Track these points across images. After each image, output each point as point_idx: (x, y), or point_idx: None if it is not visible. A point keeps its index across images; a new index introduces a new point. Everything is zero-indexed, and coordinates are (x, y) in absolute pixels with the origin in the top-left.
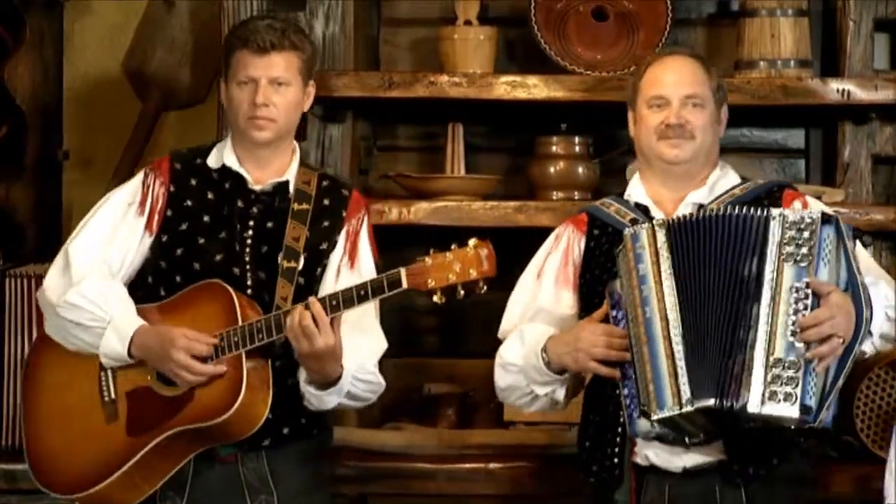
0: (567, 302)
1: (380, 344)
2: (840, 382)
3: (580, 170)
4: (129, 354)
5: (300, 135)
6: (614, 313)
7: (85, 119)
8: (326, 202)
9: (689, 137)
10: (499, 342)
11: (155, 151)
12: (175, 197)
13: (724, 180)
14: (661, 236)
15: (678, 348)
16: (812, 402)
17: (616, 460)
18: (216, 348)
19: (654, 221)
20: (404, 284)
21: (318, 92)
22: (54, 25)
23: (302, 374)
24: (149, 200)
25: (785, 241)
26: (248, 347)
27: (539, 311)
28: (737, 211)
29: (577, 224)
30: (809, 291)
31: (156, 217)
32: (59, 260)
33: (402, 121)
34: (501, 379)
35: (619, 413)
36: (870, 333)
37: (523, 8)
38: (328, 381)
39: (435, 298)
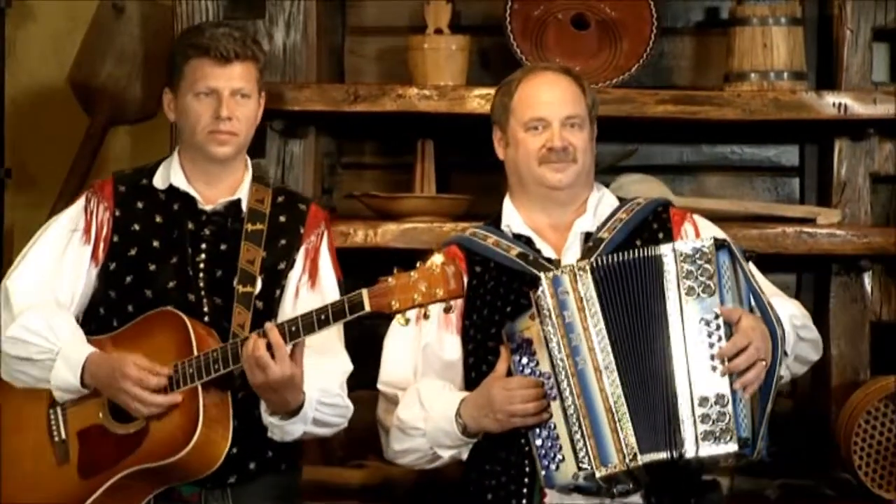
0: (451, 346)
1: (345, 365)
2: (769, 408)
3: None
4: (83, 384)
5: (258, 151)
6: (517, 358)
7: (28, 135)
8: (283, 219)
9: (572, 160)
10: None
11: (103, 169)
12: (121, 222)
13: (604, 203)
14: (584, 280)
15: (617, 400)
16: (747, 433)
17: None
18: (171, 380)
19: (575, 265)
20: (367, 307)
21: (278, 105)
22: None
23: (264, 405)
24: (93, 227)
25: (683, 275)
26: (205, 379)
27: (426, 349)
28: (643, 253)
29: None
30: (721, 321)
31: (101, 244)
32: None
33: (369, 136)
34: (399, 442)
35: (524, 462)
36: (786, 353)
37: (498, 15)
38: (290, 410)
39: (400, 321)
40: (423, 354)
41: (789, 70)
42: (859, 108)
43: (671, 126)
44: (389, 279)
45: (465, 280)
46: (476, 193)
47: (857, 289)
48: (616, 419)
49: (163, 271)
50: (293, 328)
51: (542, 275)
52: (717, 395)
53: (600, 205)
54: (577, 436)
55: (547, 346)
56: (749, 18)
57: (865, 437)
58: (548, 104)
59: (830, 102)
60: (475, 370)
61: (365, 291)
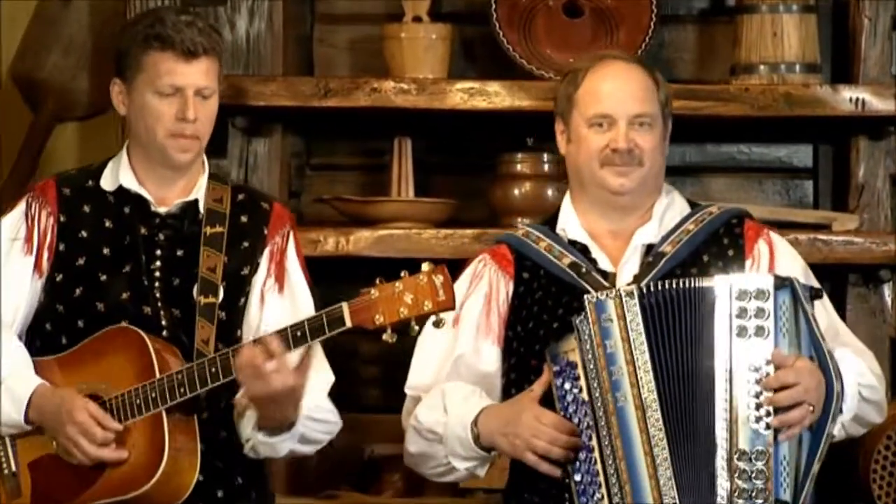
0: (489, 357)
1: (328, 378)
2: (815, 469)
3: (549, 192)
4: (27, 420)
5: (219, 151)
6: (559, 382)
7: None
8: (244, 219)
9: (638, 164)
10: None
11: (48, 169)
12: (66, 228)
13: (672, 210)
14: (631, 307)
15: (658, 444)
16: (787, 495)
17: None
18: (131, 406)
19: (622, 290)
20: (348, 322)
21: (241, 101)
22: None
23: (248, 420)
24: (35, 235)
25: (736, 313)
26: (169, 404)
27: (459, 360)
28: (697, 283)
29: (499, 261)
30: (771, 369)
31: (45, 253)
32: None
33: (340, 135)
34: (414, 444)
35: (563, 496)
36: (840, 411)
37: (483, 2)
38: (283, 426)
39: (385, 337)
40: (453, 366)
41: (801, 62)
42: (878, 103)
43: (672, 123)
44: (372, 291)
45: (511, 286)
46: (459, 197)
47: (877, 301)
48: (655, 465)
49: (115, 282)
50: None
51: (585, 298)
52: (757, 451)
53: (668, 212)
54: (613, 479)
55: (586, 377)
56: (758, 6)
57: (885, 465)
58: (615, 100)
59: (847, 97)
60: (516, 387)
61: (345, 305)
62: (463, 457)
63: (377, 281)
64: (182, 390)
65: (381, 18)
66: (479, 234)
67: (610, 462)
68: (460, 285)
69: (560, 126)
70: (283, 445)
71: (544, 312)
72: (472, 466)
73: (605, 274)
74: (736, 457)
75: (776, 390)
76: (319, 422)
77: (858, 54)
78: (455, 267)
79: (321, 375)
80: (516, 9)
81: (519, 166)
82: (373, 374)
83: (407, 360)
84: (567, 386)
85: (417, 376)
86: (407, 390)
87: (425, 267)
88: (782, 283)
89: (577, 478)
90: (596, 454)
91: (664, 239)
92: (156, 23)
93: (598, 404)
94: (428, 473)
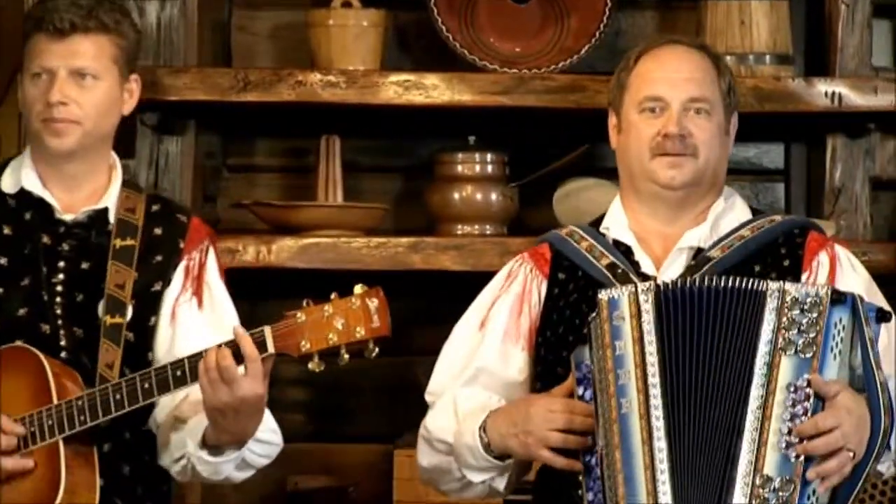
0: (517, 364)
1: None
2: None
3: (493, 196)
4: None
5: (127, 150)
6: (581, 390)
7: None
8: (158, 232)
9: (691, 154)
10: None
11: None
12: None
13: (731, 215)
14: (646, 306)
15: (659, 457)
16: None
17: None
18: (26, 435)
19: (640, 286)
20: (270, 348)
21: (151, 95)
22: None
23: (190, 434)
24: None
25: (783, 325)
26: (67, 433)
27: (480, 373)
28: (732, 283)
29: (537, 260)
30: (811, 392)
31: None
32: None
33: (261, 133)
34: (426, 457)
35: None
36: (888, 448)
37: None
38: (232, 444)
39: (311, 366)
40: (473, 375)
41: (772, 53)
42: (856, 98)
43: None
44: (298, 314)
45: (545, 288)
46: (393, 202)
47: None
48: (654, 479)
49: (11, 295)
50: (178, 373)
51: (599, 294)
52: (783, 480)
53: (725, 217)
54: (610, 493)
55: (594, 379)
56: None
57: (865, 499)
58: (668, 81)
59: (822, 92)
60: None
61: (268, 329)
62: (476, 467)
63: (304, 303)
64: (82, 418)
65: (307, 4)
66: (415, 242)
67: (609, 475)
68: (493, 285)
69: (612, 118)
70: (225, 467)
71: (576, 317)
72: (489, 478)
73: (645, 277)
74: (759, 483)
75: (809, 437)
76: (262, 443)
77: (835, 44)
78: (389, 280)
79: None
80: None
81: (460, 168)
82: (296, 397)
83: (336, 383)
84: (588, 395)
85: (436, 382)
86: (427, 397)
87: (358, 289)
88: (841, 297)
89: (590, 497)
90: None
91: (715, 244)
92: (37, 7)
93: (601, 411)
94: (445, 489)
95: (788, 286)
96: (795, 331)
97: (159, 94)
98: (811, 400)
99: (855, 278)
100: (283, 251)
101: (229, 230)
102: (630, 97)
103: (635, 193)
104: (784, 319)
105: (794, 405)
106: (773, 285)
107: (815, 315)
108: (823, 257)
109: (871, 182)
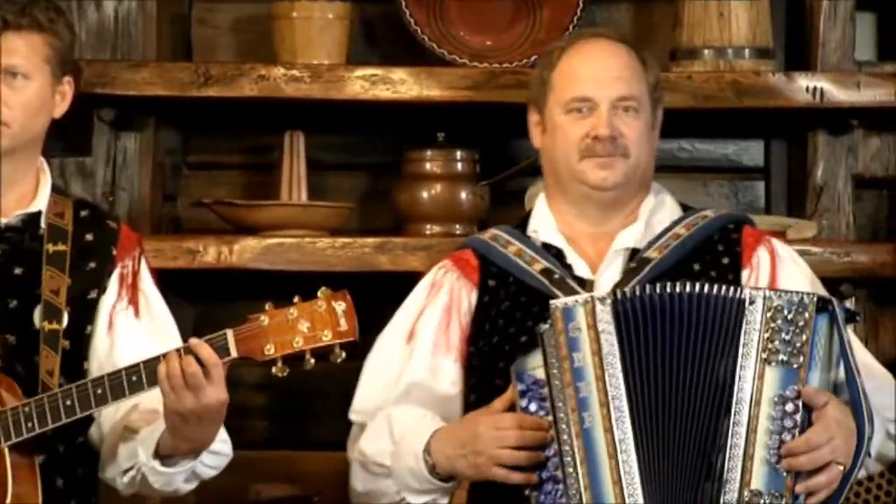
0: (449, 376)
1: None
2: None
3: (463, 195)
4: None
5: (84, 147)
6: (525, 403)
7: None
8: (89, 238)
9: (622, 155)
10: (349, 427)
11: None
12: None
13: (661, 212)
14: (604, 316)
15: (628, 472)
16: None
17: None
18: None
19: (595, 295)
20: (233, 352)
21: (108, 90)
22: None
23: (143, 444)
24: None
25: (768, 335)
26: (14, 440)
27: (411, 388)
28: (706, 289)
29: (462, 267)
30: (800, 403)
31: None
32: None
33: (223, 129)
34: (361, 482)
35: None
36: (869, 454)
37: None
38: (189, 453)
39: (274, 370)
40: (405, 390)
41: (752, 46)
42: (839, 93)
43: None
44: (262, 317)
45: (475, 296)
46: (358, 201)
47: None
48: (623, 495)
49: None
50: (134, 378)
51: (551, 304)
52: (774, 494)
53: (656, 214)
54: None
55: (551, 393)
56: None
57: (861, 492)
58: (596, 80)
59: (803, 87)
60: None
61: (230, 332)
62: (418, 490)
63: (267, 306)
64: (30, 425)
65: None
66: (382, 243)
67: (573, 492)
68: (417, 295)
69: (534, 115)
70: (178, 478)
71: (511, 325)
72: (430, 500)
73: (581, 281)
74: (746, 498)
75: (799, 454)
76: (213, 454)
77: (816, 38)
78: (354, 281)
79: None
80: None
81: (428, 165)
82: (259, 402)
83: (300, 388)
84: (533, 407)
85: (363, 399)
86: (351, 416)
87: (321, 293)
88: (826, 305)
89: (541, 498)
90: (561, 485)
91: (650, 244)
92: None
93: (563, 425)
94: None
95: (774, 294)
96: (779, 341)
97: (117, 88)
98: (800, 412)
99: (798, 272)
100: (245, 252)
101: (190, 230)
102: (555, 97)
103: (563, 194)
104: (769, 328)
105: (783, 418)
106: (757, 293)
107: (801, 324)
108: (763, 253)
109: (853, 180)
